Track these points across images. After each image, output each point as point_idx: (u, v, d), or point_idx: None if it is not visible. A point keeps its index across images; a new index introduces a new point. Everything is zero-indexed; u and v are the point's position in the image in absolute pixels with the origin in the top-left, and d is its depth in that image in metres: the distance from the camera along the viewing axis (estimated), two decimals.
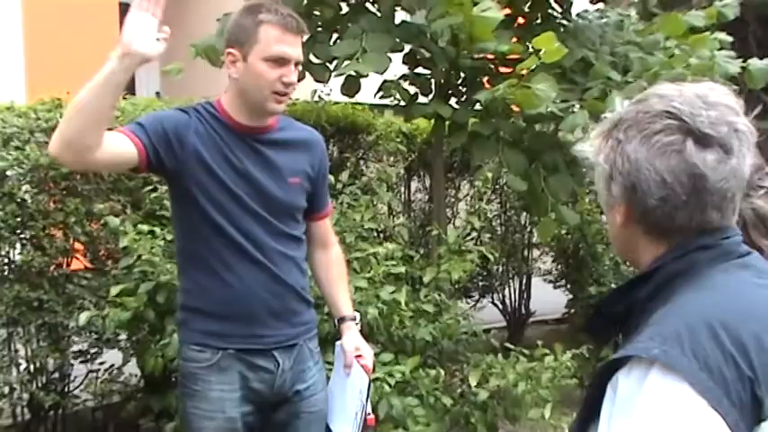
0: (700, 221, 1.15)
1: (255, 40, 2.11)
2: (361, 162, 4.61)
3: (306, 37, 2.24)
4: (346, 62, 3.45)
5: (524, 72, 3.70)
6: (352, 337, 2.40)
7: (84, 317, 3.17)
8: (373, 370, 2.46)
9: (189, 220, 2.21)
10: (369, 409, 2.28)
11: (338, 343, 2.44)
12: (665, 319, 1.10)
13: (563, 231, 5.41)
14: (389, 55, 3.58)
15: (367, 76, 3.56)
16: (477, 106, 3.84)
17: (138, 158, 2.06)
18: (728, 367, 1.03)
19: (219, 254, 2.18)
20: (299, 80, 3.94)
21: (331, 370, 2.46)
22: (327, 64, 3.72)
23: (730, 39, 4.10)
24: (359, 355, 2.35)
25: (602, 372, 1.12)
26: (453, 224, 4.78)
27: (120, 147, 2.03)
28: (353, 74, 3.55)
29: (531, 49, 4.02)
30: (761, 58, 4.07)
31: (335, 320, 2.48)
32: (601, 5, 4.28)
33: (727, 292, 1.13)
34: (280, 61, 2.12)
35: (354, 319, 2.44)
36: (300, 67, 2.27)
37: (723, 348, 1.04)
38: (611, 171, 1.19)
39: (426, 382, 3.14)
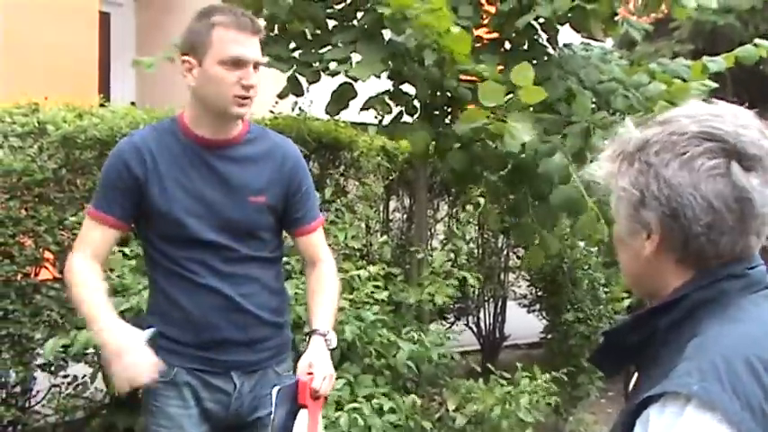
0: (742, 247, 1.11)
1: (209, 44, 2.01)
2: (342, 179, 4.56)
3: (261, 36, 2.10)
4: (335, 65, 3.43)
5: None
6: (309, 352, 2.09)
7: (49, 346, 3.05)
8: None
9: (145, 247, 2.20)
10: None
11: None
12: (700, 352, 1.04)
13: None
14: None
15: (363, 80, 3.51)
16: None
17: (121, 232, 2.21)
18: None
19: (175, 281, 2.13)
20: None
21: None
22: (316, 70, 3.68)
23: (715, 85, 4.03)
24: (310, 373, 2.04)
25: (632, 409, 1.06)
26: (430, 245, 4.74)
27: (105, 248, 2.18)
28: (346, 79, 3.53)
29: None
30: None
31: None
32: (585, 39, 4.28)
33: (761, 325, 1.08)
34: (237, 63, 2.02)
35: (325, 334, 2.14)
36: (259, 69, 2.11)
37: (764, 386, 1.00)
38: (642, 197, 1.12)
39: (405, 406, 3.08)
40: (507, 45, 4.19)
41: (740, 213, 1.08)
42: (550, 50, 4.18)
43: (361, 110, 3.93)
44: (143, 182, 2.08)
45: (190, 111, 2.13)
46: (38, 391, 3.64)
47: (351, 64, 3.45)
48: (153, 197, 2.08)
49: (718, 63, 4.06)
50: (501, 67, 3.95)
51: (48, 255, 3.52)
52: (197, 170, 2.10)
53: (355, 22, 3.93)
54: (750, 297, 1.11)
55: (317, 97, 4.25)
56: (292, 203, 2.20)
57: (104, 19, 7.19)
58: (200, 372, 2.15)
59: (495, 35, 4.19)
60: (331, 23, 3.99)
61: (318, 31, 3.87)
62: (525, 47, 4.17)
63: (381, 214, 5.09)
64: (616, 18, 3.99)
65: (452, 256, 3.58)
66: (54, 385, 3.66)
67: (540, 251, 3.64)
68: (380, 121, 3.91)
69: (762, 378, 1.00)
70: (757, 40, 4.09)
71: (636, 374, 1.25)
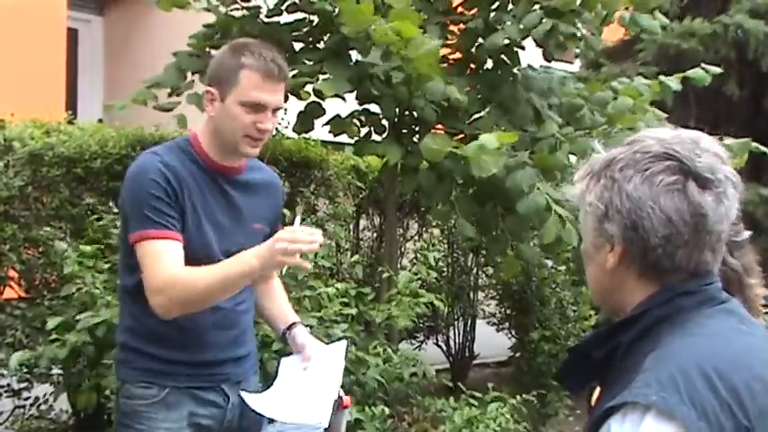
0: (697, 261, 1.16)
1: (235, 83, 2.07)
2: (313, 197, 4.57)
3: (286, 81, 2.18)
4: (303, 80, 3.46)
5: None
6: (308, 338, 2.26)
7: (15, 359, 2.98)
8: None
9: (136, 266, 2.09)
10: (341, 393, 2.19)
11: (284, 359, 2.33)
12: (659, 364, 1.09)
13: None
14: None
15: (332, 96, 3.52)
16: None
17: None
18: (725, 416, 1.04)
19: None
20: None
21: None
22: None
23: (665, 115, 4.24)
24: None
25: (594, 420, 1.10)
26: (400, 263, 4.74)
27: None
28: (313, 98, 3.55)
29: (479, 96, 4.09)
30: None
31: (283, 332, 2.30)
32: (545, 63, 4.37)
33: (717, 338, 1.13)
34: (256, 107, 2.08)
35: (306, 326, 2.33)
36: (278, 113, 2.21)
37: (719, 396, 1.04)
38: (606, 210, 1.18)
39: (376, 424, 3.06)
40: (473, 66, 4.24)
41: (695, 228, 1.14)
42: (515, 71, 4.25)
43: (326, 128, 3.93)
44: (179, 200, 2.06)
45: (205, 136, 2.17)
46: (1, 413, 3.57)
47: (318, 79, 3.48)
48: (182, 218, 2.07)
49: (673, 83, 4.21)
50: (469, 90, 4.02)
51: (12, 273, 3.47)
52: (213, 195, 2.14)
53: (322, 44, 3.97)
54: (706, 312, 1.16)
55: (288, 116, 4.26)
56: (271, 232, 2.24)
57: (72, 35, 7.15)
58: (194, 389, 2.13)
59: (460, 56, 4.25)
60: (297, 46, 4.02)
61: (286, 55, 3.89)
62: (491, 67, 4.23)
63: (351, 233, 5.10)
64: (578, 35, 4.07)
65: (421, 273, 3.57)
66: (18, 407, 3.59)
67: (515, 261, 3.65)
68: (357, 142, 3.92)
69: (718, 389, 1.05)
70: (705, 65, 4.28)
71: (597, 389, 1.29)
